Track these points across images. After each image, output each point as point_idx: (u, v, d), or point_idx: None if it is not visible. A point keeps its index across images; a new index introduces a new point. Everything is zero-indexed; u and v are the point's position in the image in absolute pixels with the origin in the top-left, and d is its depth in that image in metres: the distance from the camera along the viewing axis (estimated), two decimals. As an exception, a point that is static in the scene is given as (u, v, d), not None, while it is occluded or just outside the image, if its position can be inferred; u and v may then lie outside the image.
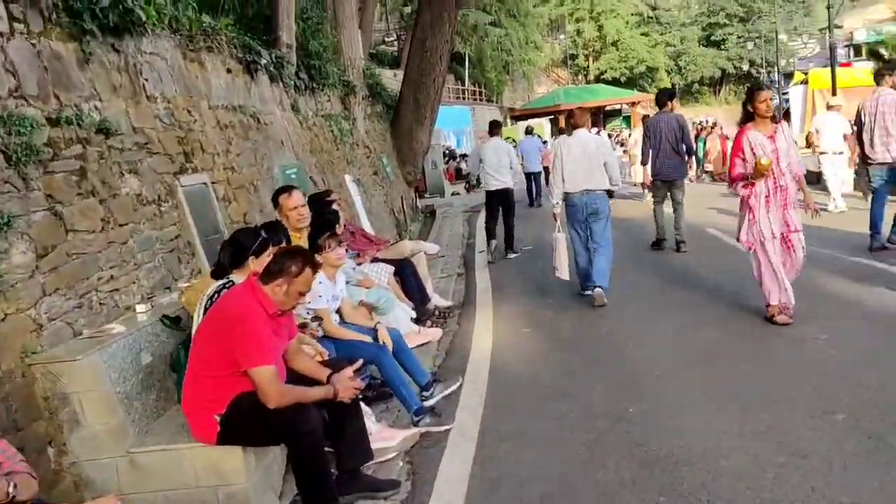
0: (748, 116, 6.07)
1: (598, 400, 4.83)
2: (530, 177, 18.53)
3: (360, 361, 4.14)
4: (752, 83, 8.88)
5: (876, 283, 6.94)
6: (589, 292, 7.49)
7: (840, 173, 12.79)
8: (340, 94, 12.40)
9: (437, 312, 7.30)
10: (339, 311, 5.19)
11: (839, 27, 59.80)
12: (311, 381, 3.84)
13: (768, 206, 5.97)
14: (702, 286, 7.73)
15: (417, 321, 6.72)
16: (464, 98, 38.59)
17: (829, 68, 46.10)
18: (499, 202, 11.00)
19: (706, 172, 23.06)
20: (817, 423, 4.09)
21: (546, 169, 15.88)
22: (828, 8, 16.64)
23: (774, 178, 5.91)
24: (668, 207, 10.33)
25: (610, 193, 7.77)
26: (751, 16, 57.57)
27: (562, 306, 7.54)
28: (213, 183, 6.09)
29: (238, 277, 4.06)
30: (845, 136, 12.37)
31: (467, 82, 39.13)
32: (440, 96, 17.44)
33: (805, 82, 33.52)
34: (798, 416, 4.21)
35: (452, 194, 26.46)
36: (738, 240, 6.37)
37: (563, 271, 7.66)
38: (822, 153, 12.89)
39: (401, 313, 6.31)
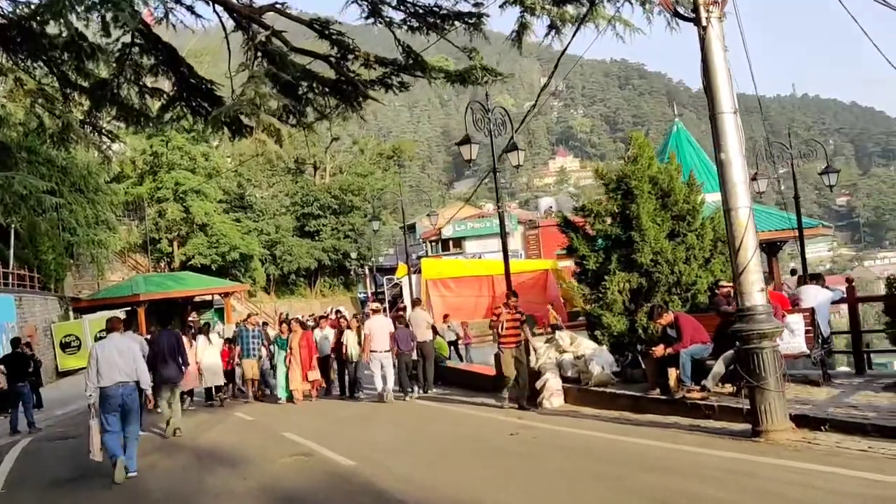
0: None
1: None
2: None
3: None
4: None
5: None
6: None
7: (388, 369, 15.04)
8: None
9: None
10: None
11: (412, 227, 62.91)
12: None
13: None
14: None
15: None
16: (7, 284, 29.06)
17: (437, 258, 46.17)
18: None
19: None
20: None
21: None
22: (482, 184, 13.11)
23: None
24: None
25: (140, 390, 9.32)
26: (344, 209, 56.86)
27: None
28: None
29: None
30: (391, 335, 15.25)
31: (12, 264, 29.77)
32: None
33: (418, 271, 31.72)
34: None
35: (-33, 425, 17.37)
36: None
37: (96, 454, 9.02)
38: (373, 351, 15.01)
39: None
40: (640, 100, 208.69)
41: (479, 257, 49.99)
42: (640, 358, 11.77)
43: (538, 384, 12.17)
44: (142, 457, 10.42)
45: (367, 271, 60.38)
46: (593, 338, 12.55)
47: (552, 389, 11.91)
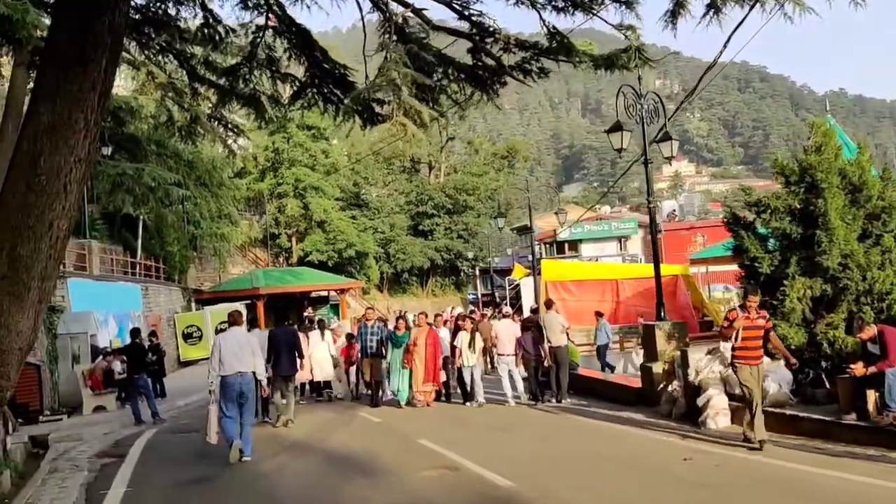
0: None
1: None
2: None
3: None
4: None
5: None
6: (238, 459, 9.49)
7: (516, 375, 14.82)
8: None
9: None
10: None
11: (528, 228, 61.46)
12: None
13: None
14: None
15: None
16: (134, 274, 29.72)
17: (557, 260, 44.88)
18: None
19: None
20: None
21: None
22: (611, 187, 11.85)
23: None
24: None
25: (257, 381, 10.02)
26: (458, 208, 56.29)
27: None
28: None
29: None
30: (518, 340, 14.81)
31: (139, 255, 30.41)
32: (61, 255, 9.32)
33: (539, 273, 30.51)
34: None
35: (95, 410, 17.36)
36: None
37: (213, 436, 9.62)
38: (500, 355, 14.90)
39: None
40: (762, 103, 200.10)
41: (596, 260, 48.33)
42: (823, 376, 10.25)
43: (700, 401, 10.82)
44: (271, 457, 9.87)
45: (477, 272, 59.59)
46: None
47: (717, 408, 10.53)
